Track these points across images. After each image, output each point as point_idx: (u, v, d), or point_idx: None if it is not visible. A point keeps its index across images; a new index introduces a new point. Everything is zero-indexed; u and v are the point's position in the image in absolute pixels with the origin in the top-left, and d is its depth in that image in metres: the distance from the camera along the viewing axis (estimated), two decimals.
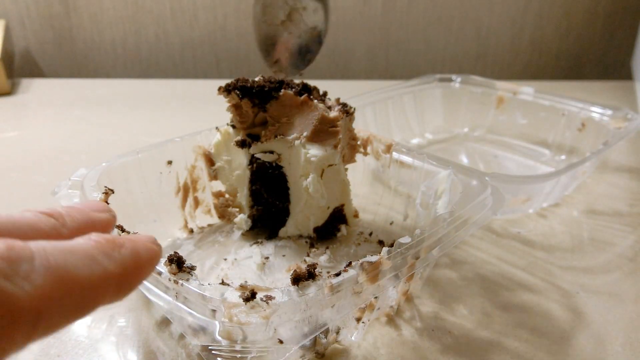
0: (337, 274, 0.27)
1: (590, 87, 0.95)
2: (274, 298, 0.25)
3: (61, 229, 0.20)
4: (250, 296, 0.25)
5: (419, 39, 1.04)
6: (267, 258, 0.42)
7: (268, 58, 0.38)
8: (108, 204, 0.34)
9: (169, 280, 0.26)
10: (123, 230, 0.31)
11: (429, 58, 1.06)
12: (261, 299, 0.25)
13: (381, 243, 0.44)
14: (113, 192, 0.36)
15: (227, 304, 0.24)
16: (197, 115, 0.81)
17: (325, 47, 1.05)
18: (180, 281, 0.25)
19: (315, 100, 0.40)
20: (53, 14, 0.98)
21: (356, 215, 0.47)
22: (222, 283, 0.30)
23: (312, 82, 0.42)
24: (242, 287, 0.25)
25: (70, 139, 0.71)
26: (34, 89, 0.91)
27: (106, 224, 0.23)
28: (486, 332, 0.35)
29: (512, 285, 0.40)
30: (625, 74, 1.03)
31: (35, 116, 0.80)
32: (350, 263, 0.28)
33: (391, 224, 0.47)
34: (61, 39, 1.01)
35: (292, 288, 0.26)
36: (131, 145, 0.66)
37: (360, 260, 0.28)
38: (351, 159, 0.44)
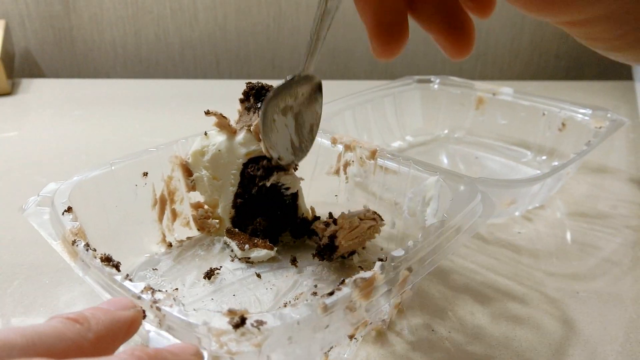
0: (331, 293, 0.24)
1: (590, 87, 0.90)
2: (265, 323, 0.22)
3: (87, 333, 0.20)
4: (240, 322, 0.21)
5: (419, 39, 0.99)
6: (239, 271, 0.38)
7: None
8: (76, 221, 0.30)
9: (151, 307, 0.22)
10: (109, 261, 0.27)
11: (429, 58, 1.00)
12: (252, 325, 0.22)
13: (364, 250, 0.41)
14: (71, 210, 0.31)
15: (216, 331, 0.21)
16: (197, 115, 0.76)
17: (326, 47, 1.01)
18: (163, 308, 0.22)
19: None
20: (53, 14, 0.93)
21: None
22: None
23: None
24: (231, 312, 0.22)
25: (70, 139, 0.67)
26: (34, 89, 0.86)
27: (132, 321, 0.22)
28: (478, 344, 0.32)
29: (501, 295, 0.37)
30: (625, 74, 0.96)
31: (35, 116, 0.75)
32: (343, 280, 0.25)
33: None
34: (61, 39, 0.95)
35: (285, 310, 0.23)
36: (131, 146, 0.63)
37: (354, 277, 0.25)
38: None
